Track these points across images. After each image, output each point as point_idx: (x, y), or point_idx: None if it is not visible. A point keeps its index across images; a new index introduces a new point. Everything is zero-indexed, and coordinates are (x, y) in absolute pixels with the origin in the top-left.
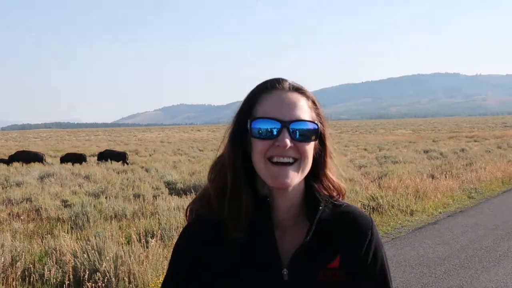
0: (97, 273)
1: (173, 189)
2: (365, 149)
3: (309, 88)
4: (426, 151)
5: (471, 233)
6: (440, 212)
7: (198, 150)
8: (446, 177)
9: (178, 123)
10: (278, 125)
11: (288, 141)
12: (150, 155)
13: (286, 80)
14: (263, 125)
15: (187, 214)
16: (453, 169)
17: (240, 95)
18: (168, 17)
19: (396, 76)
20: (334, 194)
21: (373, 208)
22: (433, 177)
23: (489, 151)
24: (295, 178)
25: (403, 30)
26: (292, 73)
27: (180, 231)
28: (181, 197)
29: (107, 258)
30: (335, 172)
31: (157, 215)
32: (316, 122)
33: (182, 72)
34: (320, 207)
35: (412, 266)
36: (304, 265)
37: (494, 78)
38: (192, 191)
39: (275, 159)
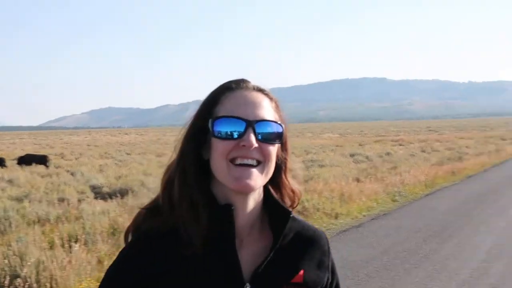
0: (18, 278)
1: (99, 193)
2: (293, 153)
3: None
4: (352, 155)
5: (394, 236)
6: (364, 215)
7: (125, 153)
8: (371, 180)
9: (105, 126)
10: (243, 125)
11: (254, 141)
12: (76, 159)
13: (249, 81)
14: (226, 125)
15: (129, 229)
16: (378, 172)
17: (169, 99)
18: (95, 17)
19: (325, 80)
20: (288, 202)
21: (298, 211)
22: (358, 180)
23: (414, 155)
24: (259, 180)
25: (331, 34)
26: (216, 76)
27: (121, 249)
28: (106, 201)
29: (29, 263)
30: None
31: (81, 219)
32: (280, 123)
33: (111, 74)
34: (291, 215)
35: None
36: (267, 279)
37: (420, 83)
38: (118, 195)
39: (238, 161)
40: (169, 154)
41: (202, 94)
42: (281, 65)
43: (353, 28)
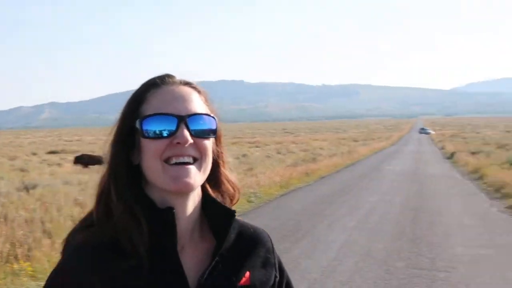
0: None
1: None
2: None
3: (99, 94)
4: None
5: None
6: None
7: None
8: None
9: None
10: (175, 121)
11: (188, 137)
12: None
13: (174, 75)
14: (156, 123)
15: (64, 246)
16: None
17: (22, 100)
18: None
19: None
20: (227, 199)
21: None
22: None
23: (269, 157)
24: (198, 178)
25: (187, 35)
26: (73, 79)
27: (53, 269)
28: None
29: None
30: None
31: None
32: (213, 116)
33: None
34: (235, 215)
35: None
36: (214, 286)
37: (276, 85)
38: None
39: (173, 160)
40: (23, 156)
41: (58, 95)
42: (131, 66)
43: (209, 29)
